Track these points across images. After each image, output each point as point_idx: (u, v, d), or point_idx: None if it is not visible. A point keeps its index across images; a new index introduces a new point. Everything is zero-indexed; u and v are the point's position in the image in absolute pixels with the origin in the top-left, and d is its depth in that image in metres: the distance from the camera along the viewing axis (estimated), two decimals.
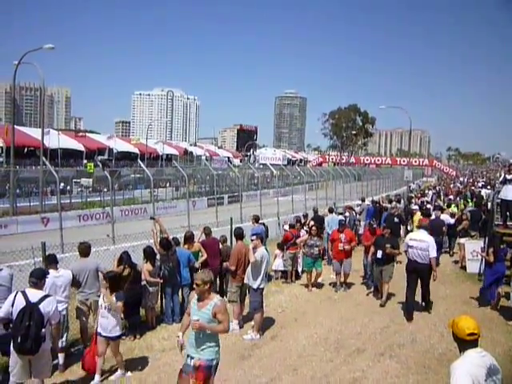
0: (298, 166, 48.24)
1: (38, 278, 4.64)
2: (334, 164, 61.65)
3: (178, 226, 10.72)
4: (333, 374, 5.74)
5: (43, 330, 4.39)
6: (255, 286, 6.98)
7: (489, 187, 28.83)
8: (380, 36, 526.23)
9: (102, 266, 6.41)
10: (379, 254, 8.74)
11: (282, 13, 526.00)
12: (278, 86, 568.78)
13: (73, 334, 6.46)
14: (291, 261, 10.39)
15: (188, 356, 4.22)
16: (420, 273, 7.98)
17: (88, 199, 26.49)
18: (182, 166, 33.86)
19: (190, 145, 67.84)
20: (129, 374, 5.53)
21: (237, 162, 62.65)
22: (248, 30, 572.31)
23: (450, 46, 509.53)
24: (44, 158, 19.69)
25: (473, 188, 31.76)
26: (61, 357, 5.68)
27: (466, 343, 3.08)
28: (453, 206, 17.56)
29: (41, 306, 4.42)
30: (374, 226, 10.58)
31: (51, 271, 5.50)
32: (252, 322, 7.21)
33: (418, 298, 8.30)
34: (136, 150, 47.03)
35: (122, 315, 6.31)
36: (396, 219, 13.12)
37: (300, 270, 10.86)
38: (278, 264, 10.56)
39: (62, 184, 25.27)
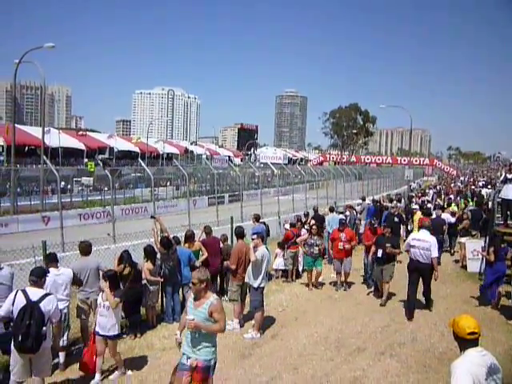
0: (299, 165, 48.07)
1: (38, 277, 4.64)
2: (335, 163, 61.62)
3: (178, 224, 10.71)
4: (333, 372, 5.74)
5: (44, 328, 4.39)
6: (256, 285, 6.99)
7: (489, 186, 28.86)
8: (381, 35, 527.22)
9: (103, 264, 6.40)
10: (380, 253, 8.75)
11: (282, 12, 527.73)
12: (279, 85, 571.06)
13: (73, 332, 6.46)
14: (292, 260, 10.40)
15: (184, 354, 4.18)
16: (422, 272, 8.01)
17: (89, 198, 26.47)
18: (183, 164, 33.93)
19: (191, 144, 67.56)
20: (129, 372, 5.52)
21: (237, 161, 62.45)
22: (248, 29, 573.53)
23: (450, 46, 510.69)
24: (45, 157, 19.60)
25: (473, 187, 31.79)
26: (61, 355, 5.69)
27: (466, 342, 3.09)
28: (453, 205, 17.57)
29: (41, 305, 4.42)
30: (375, 225, 10.58)
31: (52, 270, 5.50)
32: (252, 321, 7.21)
33: (420, 296, 8.31)
34: (137, 149, 46.92)
35: (123, 313, 6.32)
36: (396, 218, 13.14)
37: (300, 269, 10.87)
38: (279, 263, 10.58)
39: (63, 183, 25.24)
